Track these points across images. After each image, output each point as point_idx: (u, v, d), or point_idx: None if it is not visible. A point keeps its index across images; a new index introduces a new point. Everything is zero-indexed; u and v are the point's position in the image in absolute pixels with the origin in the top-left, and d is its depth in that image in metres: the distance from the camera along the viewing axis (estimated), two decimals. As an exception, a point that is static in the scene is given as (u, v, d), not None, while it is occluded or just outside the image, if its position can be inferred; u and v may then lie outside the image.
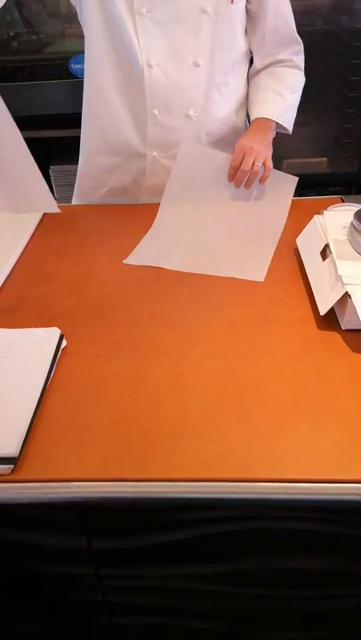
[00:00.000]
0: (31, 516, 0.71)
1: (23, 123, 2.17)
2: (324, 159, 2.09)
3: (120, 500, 0.64)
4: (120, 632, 0.91)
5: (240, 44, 1.11)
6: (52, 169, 2.10)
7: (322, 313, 0.81)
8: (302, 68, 1.17)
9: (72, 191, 2.11)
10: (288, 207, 1.13)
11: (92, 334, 0.84)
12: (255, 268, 0.99)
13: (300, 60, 1.16)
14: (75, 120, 2.06)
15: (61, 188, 2.08)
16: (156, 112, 1.13)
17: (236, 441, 0.66)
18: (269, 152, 1.14)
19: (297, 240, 0.99)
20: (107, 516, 0.71)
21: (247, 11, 1.10)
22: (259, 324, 0.84)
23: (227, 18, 1.05)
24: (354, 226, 0.84)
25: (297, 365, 0.76)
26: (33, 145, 2.60)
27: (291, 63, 1.15)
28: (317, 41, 1.84)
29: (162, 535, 0.72)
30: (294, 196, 1.17)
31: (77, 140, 2.32)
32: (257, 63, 1.16)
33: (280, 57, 1.14)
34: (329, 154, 2.09)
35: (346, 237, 0.86)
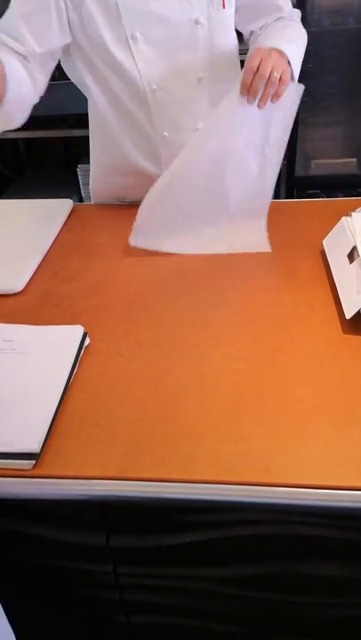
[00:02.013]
0: (51, 511, 0.72)
1: (54, 122, 2.20)
2: (354, 160, 2.06)
3: (139, 500, 0.64)
4: (137, 630, 0.92)
5: (233, 42, 1.09)
6: (80, 168, 2.12)
7: (348, 316, 0.80)
8: (301, 25, 1.09)
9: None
10: (291, 122, 1.02)
11: (116, 333, 0.85)
12: (255, 236, 1.01)
13: (298, 17, 1.10)
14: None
15: (88, 186, 2.10)
16: (166, 134, 1.11)
17: (256, 444, 0.65)
18: (286, 66, 0.96)
19: (324, 241, 0.98)
20: (125, 515, 0.71)
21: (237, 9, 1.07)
22: (282, 327, 0.83)
23: (221, 24, 1.03)
24: (382, 228, 0.82)
25: (320, 369, 0.75)
26: (62, 144, 2.65)
27: (287, 17, 1.09)
28: (350, 40, 1.82)
29: (179, 536, 0.72)
30: (323, 197, 1.15)
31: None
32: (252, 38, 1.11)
33: (275, 20, 1.09)
34: (359, 155, 2.05)
35: (374, 240, 0.85)
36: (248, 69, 0.92)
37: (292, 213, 1.16)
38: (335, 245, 0.93)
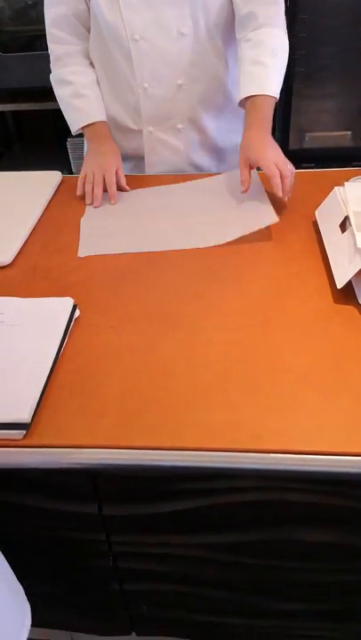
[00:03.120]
0: (42, 481, 0.72)
1: (41, 94, 2.15)
2: (348, 133, 2.03)
3: (130, 468, 0.65)
4: (131, 597, 0.93)
5: (225, 9, 1.08)
6: (70, 141, 2.08)
7: (339, 286, 0.80)
8: (282, 24, 1.08)
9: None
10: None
11: (105, 305, 0.84)
12: (261, 214, 0.98)
13: (276, 13, 1.07)
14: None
15: (79, 160, 2.07)
16: (147, 85, 1.12)
17: (246, 412, 0.65)
18: (279, 152, 1.04)
19: (316, 212, 0.97)
20: (117, 483, 0.72)
21: None
22: (274, 297, 0.83)
23: None
24: (374, 197, 0.81)
25: (311, 339, 0.75)
26: (51, 117, 2.59)
27: (266, 20, 1.05)
28: (343, 9, 1.77)
29: (171, 504, 0.73)
30: (316, 168, 1.14)
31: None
32: (236, 20, 1.09)
33: (255, 9, 1.04)
34: (353, 127, 2.03)
35: (366, 209, 0.84)
36: (273, 177, 0.98)
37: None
38: (327, 215, 0.93)
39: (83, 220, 1.06)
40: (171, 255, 0.95)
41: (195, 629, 1.02)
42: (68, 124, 1.21)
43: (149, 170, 1.25)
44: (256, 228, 0.97)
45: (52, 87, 2.03)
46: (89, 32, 1.15)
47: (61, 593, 0.96)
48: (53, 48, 1.17)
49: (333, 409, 0.65)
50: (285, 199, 1.04)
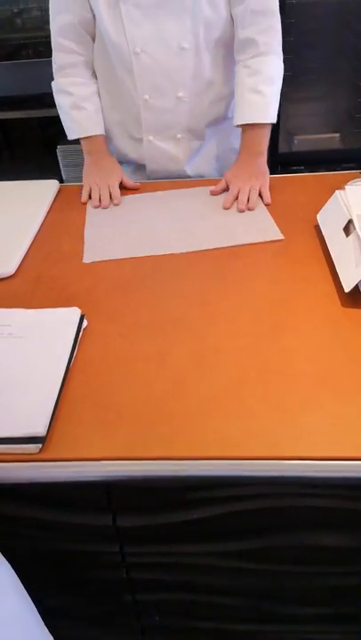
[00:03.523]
0: (58, 494, 0.71)
1: (29, 101, 2.13)
2: (337, 135, 2.05)
3: (147, 479, 0.64)
4: (143, 608, 0.93)
5: (224, 23, 1.09)
6: (60, 149, 2.07)
7: (347, 290, 0.80)
8: (279, 50, 1.11)
9: (80, 170, 2.08)
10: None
11: (113, 314, 0.83)
12: (267, 229, 0.99)
13: (275, 40, 1.10)
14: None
15: (68, 167, 2.06)
16: (147, 97, 1.14)
17: (262, 419, 0.65)
18: (265, 179, 1.15)
19: (318, 216, 0.98)
20: (132, 494, 0.71)
21: None
22: (281, 302, 0.83)
23: (209, 1, 1.04)
24: (378, 200, 0.82)
25: (322, 343, 0.75)
26: (39, 125, 2.57)
27: (266, 48, 1.09)
28: (330, 13, 1.79)
29: (186, 513, 0.72)
30: (306, 171, 1.16)
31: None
32: (235, 41, 1.11)
33: (255, 37, 1.08)
34: (342, 129, 2.05)
35: (369, 212, 0.84)
36: (228, 199, 1.12)
37: (282, 189, 1.15)
38: (330, 219, 0.93)
39: (86, 227, 1.06)
40: (174, 261, 0.95)
41: (207, 637, 1.01)
42: (66, 131, 1.23)
43: (151, 176, 1.27)
44: (259, 241, 0.98)
45: (37, 95, 2.04)
46: (93, 40, 1.15)
47: (72, 606, 0.95)
48: (57, 57, 1.17)
49: (350, 414, 0.65)
50: (242, 209, 1.10)
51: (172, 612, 0.94)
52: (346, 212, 0.88)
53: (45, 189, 1.19)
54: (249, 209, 1.10)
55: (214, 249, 0.97)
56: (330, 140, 2.06)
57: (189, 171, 1.27)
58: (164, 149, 1.21)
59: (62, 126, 2.26)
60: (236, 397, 0.68)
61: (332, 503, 0.69)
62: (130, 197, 1.17)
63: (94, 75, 1.19)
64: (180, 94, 1.13)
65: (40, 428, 0.64)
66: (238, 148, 1.18)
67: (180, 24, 1.06)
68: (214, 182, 1.19)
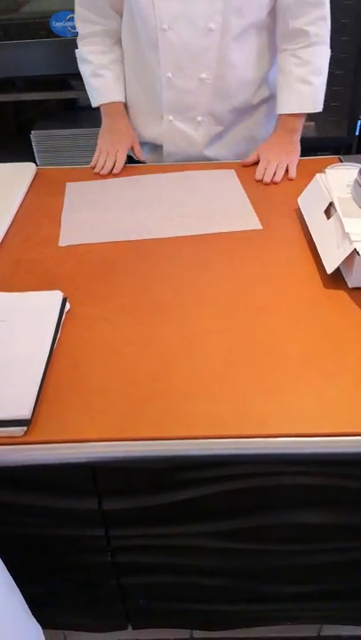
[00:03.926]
0: (42, 478, 0.71)
1: (1, 85, 2.07)
2: (312, 123, 2.06)
3: (134, 459, 0.64)
4: (128, 591, 0.93)
5: (259, 9, 1.07)
6: (34, 134, 2.03)
7: (329, 271, 0.81)
8: (328, 39, 1.12)
9: (55, 156, 2.05)
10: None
11: (97, 297, 0.82)
12: (246, 218, 1.00)
13: (326, 30, 1.10)
14: (58, 82, 1.98)
15: (43, 153, 2.02)
16: (170, 75, 1.13)
17: (250, 399, 0.66)
18: (295, 156, 1.18)
19: (298, 199, 0.98)
20: (118, 477, 0.71)
21: None
22: (265, 285, 0.83)
23: None
24: (359, 183, 0.83)
25: (305, 324, 0.76)
26: (12, 109, 2.50)
27: (317, 39, 1.10)
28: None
29: (173, 494, 0.72)
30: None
31: (61, 103, 2.23)
32: (281, 30, 1.11)
33: (306, 27, 1.08)
34: (317, 118, 2.06)
35: (350, 195, 0.85)
36: (258, 172, 1.16)
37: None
38: (311, 202, 0.94)
39: (64, 213, 1.04)
40: (157, 245, 0.94)
41: (192, 618, 1.02)
42: (90, 99, 1.26)
43: (167, 158, 1.26)
44: (237, 230, 0.98)
45: (10, 78, 1.99)
46: (118, 13, 1.16)
47: (56, 591, 0.95)
48: (79, 26, 1.19)
49: (335, 391, 0.66)
50: (267, 181, 1.14)
51: (158, 595, 0.95)
52: (327, 194, 0.88)
53: (22, 172, 1.16)
54: (274, 182, 1.13)
55: (194, 236, 0.97)
56: (305, 128, 2.06)
57: (206, 155, 1.26)
58: (183, 131, 1.21)
59: (37, 111, 2.21)
60: (223, 378, 0.68)
61: (318, 481, 0.70)
62: (111, 181, 1.15)
63: (117, 43, 1.20)
64: (203, 75, 1.12)
65: (25, 411, 0.63)
66: (259, 137, 1.23)
67: (210, 4, 1.04)
68: (213, 166, 1.20)
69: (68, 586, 0.93)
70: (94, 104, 1.24)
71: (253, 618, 1.01)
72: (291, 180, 1.14)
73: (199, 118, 1.19)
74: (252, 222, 0.99)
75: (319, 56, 1.12)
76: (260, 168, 1.16)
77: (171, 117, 1.20)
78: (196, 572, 0.88)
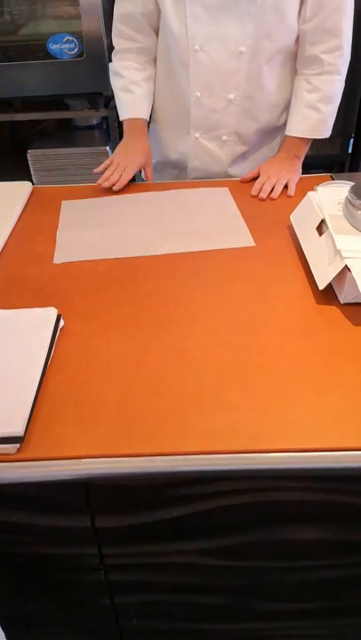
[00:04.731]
0: (35, 496, 0.70)
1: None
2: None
3: (130, 476, 0.64)
4: (121, 610, 0.91)
5: (289, 34, 1.10)
6: (30, 153, 2.05)
7: (321, 287, 0.82)
8: (344, 70, 1.14)
9: (51, 175, 2.07)
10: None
11: (90, 314, 0.83)
12: (239, 235, 1.01)
13: (340, 60, 1.12)
14: (54, 102, 2.01)
15: (40, 172, 2.04)
16: (199, 94, 1.16)
17: (242, 414, 0.66)
18: (295, 176, 1.19)
19: (291, 216, 1.00)
20: (111, 494, 0.70)
21: None
22: (258, 301, 0.84)
23: (274, 7, 1.05)
24: (350, 201, 0.84)
25: (298, 339, 0.76)
26: (9, 129, 2.53)
27: (330, 67, 1.12)
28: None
29: (167, 511, 0.72)
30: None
31: (57, 122, 2.26)
32: (300, 55, 1.14)
33: (321, 55, 1.10)
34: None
35: (341, 213, 0.87)
36: (255, 187, 1.18)
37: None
38: (303, 219, 0.95)
39: (59, 231, 1.05)
40: (151, 261, 0.95)
41: (186, 638, 1.00)
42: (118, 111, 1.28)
43: (191, 174, 1.29)
44: (231, 247, 0.99)
45: (7, 99, 2.02)
46: (154, 30, 1.18)
47: (47, 611, 0.93)
48: (115, 41, 1.22)
49: (327, 406, 0.66)
50: (263, 197, 1.16)
51: (151, 614, 0.94)
52: (318, 212, 0.90)
53: (18, 191, 1.17)
54: (271, 199, 1.14)
55: (191, 251, 0.98)
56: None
57: (229, 173, 1.29)
58: (208, 149, 1.24)
59: (33, 131, 2.24)
60: (216, 393, 0.69)
61: (311, 496, 0.70)
62: (106, 199, 1.17)
63: (150, 62, 1.22)
64: (232, 96, 1.15)
65: (18, 428, 0.63)
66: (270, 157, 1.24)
67: (242, 28, 1.07)
68: (208, 184, 1.22)
69: (59, 604, 0.91)
70: (120, 118, 1.26)
71: (250, 637, 1.00)
72: (289, 197, 1.15)
73: (225, 137, 1.22)
74: (245, 239, 1.00)
75: (331, 85, 1.14)
76: (257, 183, 1.17)
77: (197, 135, 1.23)
78: (191, 590, 0.88)
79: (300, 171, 1.22)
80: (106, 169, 1.21)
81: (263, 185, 1.16)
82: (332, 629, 0.97)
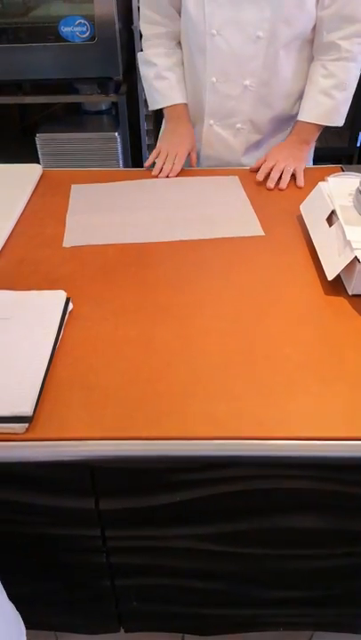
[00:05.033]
0: (41, 477, 0.71)
1: (7, 88, 2.08)
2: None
3: (135, 458, 0.64)
4: (121, 593, 0.93)
5: (307, 20, 1.09)
6: (39, 137, 2.04)
7: (330, 278, 0.82)
8: (360, 58, 1.12)
9: (59, 159, 2.06)
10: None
11: (98, 298, 0.83)
12: (248, 224, 1.01)
13: (358, 48, 1.11)
14: (64, 86, 2.00)
15: (48, 156, 2.03)
16: (214, 79, 1.15)
17: (247, 401, 0.66)
18: (302, 163, 1.18)
19: (301, 207, 1.00)
20: (116, 477, 0.71)
21: None
22: (265, 289, 0.84)
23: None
24: (361, 192, 0.84)
25: (305, 329, 0.77)
26: (18, 112, 2.51)
27: (347, 54, 1.10)
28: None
29: (170, 495, 0.73)
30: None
31: (66, 106, 2.25)
32: (317, 41, 1.13)
33: (338, 41, 1.09)
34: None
35: (352, 204, 0.86)
36: (262, 170, 1.17)
37: (265, 181, 1.17)
38: (313, 210, 0.95)
39: (68, 214, 1.05)
40: (159, 248, 0.95)
41: (185, 622, 1.02)
42: (148, 102, 1.27)
43: (204, 162, 1.28)
44: (240, 235, 0.99)
45: (17, 81, 2.00)
46: (179, 13, 1.17)
47: (49, 592, 0.95)
48: (143, 28, 1.22)
49: (332, 395, 0.67)
50: (270, 187, 1.15)
51: (151, 598, 0.95)
52: (329, 202, 0.89)
53: (28, 173, 1.17)
54: (279, 189, 1.14)
55: (201, 239, 0.98)
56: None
57: (242, 162, 1.28)
58: (222, 136, 1.23)
59: (42, 115, 2.22)
60: (222, 379, 0.69)
61: (314, 485, 0.71)
62: (116, 184, 1.16)
63: (178, 46, 1.22)
64: (247, 82, 1.14)
65: (26, 408, 0.63)
66: None
67: (260, 12, 1.06)
68: (219, 172, 1.22)
69: (61, 586, 0.92)
70: (155, 106, 1.25)
71: (246, 623, 1.01)
72: (300, 188, 1.14)
73: (239, 125, 1.21)
74: (254, 228, 1.00)
75: (346, 71, 1.12)
76: (264, 167, 1.17)
77: (211, 122, 1.22)
78: (190, 574, 0.89)
79: (308, 158, 1.21)
80: (154, 160, 1.21)
81: (271, 171, 1.15)
82: (327, 618, 0.98)
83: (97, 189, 1.15)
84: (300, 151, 1.19)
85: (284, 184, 1.14)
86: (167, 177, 1.19)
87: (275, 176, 1.15)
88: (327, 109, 1.15)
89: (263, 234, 0.99)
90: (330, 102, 1.14)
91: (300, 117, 1.18)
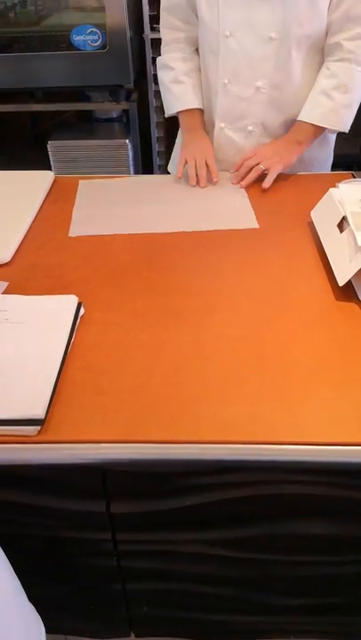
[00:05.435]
0: (53, 479, 0.71)
1: (19, 96, 2.11)
2: (325, 140, 2.08)
3: (146, 462, 0.65)
4: (132, 597, 0.93)
5: (319, 22, 1.08)
6: (50, 144, 2.07)
7: (341, 284, 0.82)
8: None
9: (70, 166, 2.08)
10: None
11: (110, 303, 0.84)
12: (244, 217, 1.05)
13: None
14: (75, 94, 2.02)
15: (59, 163, 2.05)
16: (226, 81, 1.15)
17: (259, 405, 0.66)
18: (281, 165, 1.17)
19: (312, 213, 1.00)
20: (127, 480, 0.71)
21: None
22: (277, 295, 0.85)
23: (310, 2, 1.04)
24: (372, 198, 0.84)
25: (317, 334, 0.77)
26: (29, 120, 2.54)
27: (350, 55, 1.09)
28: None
29: (181, 499, 0.73)
30: (302, 172, 1.19)
31: (78, 114, 2.27)
32: (326, 43, 1.12)
33: (342, 42, 1.08)
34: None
35: (363, 210, 0.87)
36: (238, 162, 1.19)
37: (275, 187, 1.17)
38: (324, 216, 0.95)
39: (75, 208, 1.11)
40: (171, 253, 0.96)
41: (193, 628, 1.01)
42: (164, 107, 1.27)
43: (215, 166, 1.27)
44: (235, 228, 1.03)
45: (29, 89, 2.03)
46: (198, 18, 1.18)
47: (59, 595, 0.95)
48: (164, 32, 1.23)
49: (344, 401, 0.67)
50: (241, 186, 1.19)
51: (161, 603, 0.95)
52: (340, 209, 0.90)
53: (40, 180, 1.19)
54: (241, 186, 1.16)
55: (211, 243, 0.99)
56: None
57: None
58: (233, 140, 1.23)
59: (53, 122, 2.25)
60: (233, 384, 0.69)
61: (325, 491, 0.70)
62: (121, 180, 1.21)
63: (197, 52, 1.22)
64: (259, 84, 1.14)
65: (39, 410, 0.64)
66: (307, 154, 1.22)
67: (272, 13, 1.06)
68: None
69: (72, 589, 0.93)
70: (172, 110, 1.25)
71: (254, 630, 1.00)
72: (264, 190, 1.15)
73: (250, 128, 1.21)
74: (249, 221, 1.05)
75: (348, 73, 1.10)
76: (240, 159, 1.18)
77: (222, 125, 1.21)
78: (200, 580, 0.88)
79: (293, 159, 1.18)
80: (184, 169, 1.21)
81: (244, 162, 1.17)
82: (336, 626, 0.97)
83: (102, 185, 1.20)
84: (287, 151, 1.17)
85: (244, 184, 1.16)
86: (214, 182, 1.19)
87: (241, 173, 1.17)
88: (324, 110, 1.13)
89: (258, 226, 1.03)
90: (328, 103, 1.12)
91: (298, 117, 1.16)
